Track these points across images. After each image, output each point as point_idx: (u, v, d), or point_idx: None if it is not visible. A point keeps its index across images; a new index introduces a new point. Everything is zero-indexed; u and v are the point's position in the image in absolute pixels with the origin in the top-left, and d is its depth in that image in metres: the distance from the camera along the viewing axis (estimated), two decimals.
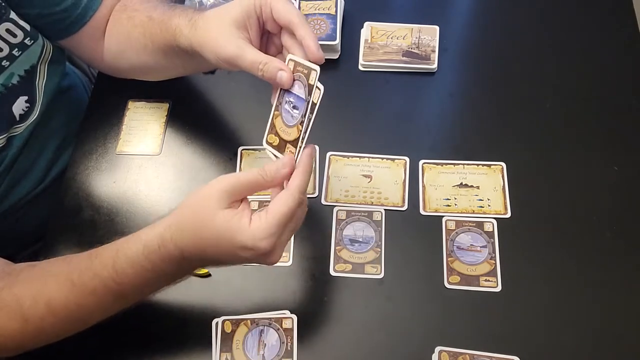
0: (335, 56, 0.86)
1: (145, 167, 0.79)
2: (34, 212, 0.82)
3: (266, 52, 0.59)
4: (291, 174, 0.54)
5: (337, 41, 0.84)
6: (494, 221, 0.71)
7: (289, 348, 0.64)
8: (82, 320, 0.56)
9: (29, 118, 0.75)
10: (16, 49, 0.69)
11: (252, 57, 0.57)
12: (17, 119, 0.74)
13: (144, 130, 0.82)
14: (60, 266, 0.56)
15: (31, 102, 0.75)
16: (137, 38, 0.69)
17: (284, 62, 0.57)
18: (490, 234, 0.70)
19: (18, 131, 0.75)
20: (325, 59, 0.86)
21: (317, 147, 0.55)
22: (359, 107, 0.82)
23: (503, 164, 0.75)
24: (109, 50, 0.74)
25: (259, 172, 0.53)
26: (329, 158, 0.77)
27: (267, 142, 0.59)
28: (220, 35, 0.58)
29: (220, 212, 0.51)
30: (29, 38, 0.70)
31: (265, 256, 0.52)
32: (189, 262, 0.54)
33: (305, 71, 0.54)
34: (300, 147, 0.55)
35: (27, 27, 0.70)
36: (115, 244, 0.55)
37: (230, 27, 0.58)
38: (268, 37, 0.61)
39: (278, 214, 0.51)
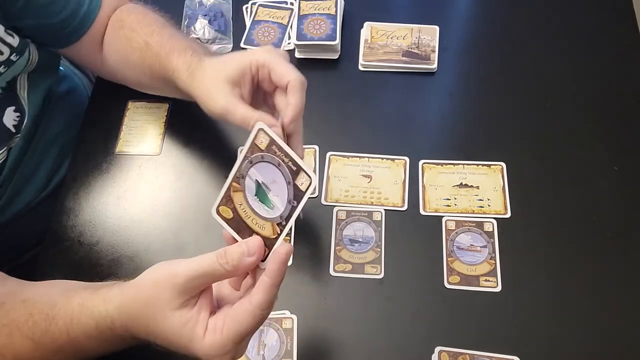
0: (335, 56, 0.86)
1: (145, 168, 0.79)
2: (37, 218, 0.82)
3: (260, 108, 0.59)
4: (257, 262, 0.46)
5: (337, 41, 0.84)
6: (494, 221, 0.71)
7: (288, 348, 0.64)
8: None
9: (21, 129, 0.75)
10: (2, 66, 0.69)
11: (242, 113, 0.57)
12: (13, 130, 0.73)
13: (143, 130, 0.82)
14: (23, 317, 0.52)
15: (20, 111, 0.74)
16: (135, 62, 0.70)
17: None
18: (490, 234, 0.70)
19: (17, 141, 0.74)
20: (325, 59, 0.87)
21: (292, 248, 0.45)
22: (358, 107, 0.82)
23: (503, 164, 0.75)
24: (107, 61, 0.75)
25: (219, 259, 0.45)
26: (329, 158, 0.77)
27: (219, 214, 0.49)
28: (214, 90, 0.59)
29: (173, 314, 0.45)
30: (15, 54, 0.69)
31: None
32: (145, 340, 0.50)
33: (294, 168, 0.43)
34: (274, 248, 0.45)
35: (15, 42, 0.68)
36: (71, 309, 0.50)
37: (224, 83, 0.58)
38: (264, 93, 0.62)
39: (235, 333, 0.45)
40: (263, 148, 0.44)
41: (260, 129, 0.45)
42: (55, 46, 0.74)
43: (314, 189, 0.42)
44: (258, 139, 0.45)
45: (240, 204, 0.47)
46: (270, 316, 0.65)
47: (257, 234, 0.46)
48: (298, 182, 0.43)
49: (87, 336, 0.50)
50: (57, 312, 0.51)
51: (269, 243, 0.45)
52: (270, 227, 0.45)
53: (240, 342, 0.46)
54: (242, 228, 0.47)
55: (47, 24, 0.70)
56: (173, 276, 0.45)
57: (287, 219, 0.44)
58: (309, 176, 0.43)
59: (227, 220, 0.48)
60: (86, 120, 0.84)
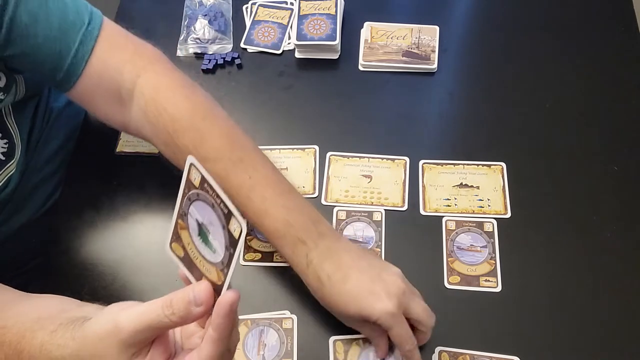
0: (335, 56, 0.86)
1: (146, 167, 0.79)
2: (39, 230, 0.79)
3: None
4: (206, 311, 0.41)
5: (337, 41, 0.84)
6: (494, 221, 0.71)
7: (289, 348, 0.64)
8: None
9: (14, 154, 0.71)
10: None
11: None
12: (3, 158, 0.70)
13: None
14: None
15: (8, 138, 0.70)
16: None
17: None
18: (490, 234, 0.70)
19: (12, 169, 0.71)
20: (325, 59, 0.88)
21: (238, 296, 0.40)
22: (358, 107, 0.82)
23: (503, 164, 0.75)
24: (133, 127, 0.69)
25: (164, 310, 0.40)
26: (329, 158, 0.77)
27: (172, 250, 0.44)
28: None
29: None
30: (2, 93, 0.66)
31: None
32: None
33: (225, 211, 0.38)
34: (222, 293, 0.40)
35: (2, 83, 0.66)
36: (34, 348, 0.48)
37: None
38: None
39: None
40: (197, 185, 0.39)
41: (191, 164, 0.39)
42: (57, 89, 0.69)
43: (245, 235, 0.37)
44: (191, 175, 0.40)
45: (188, 244, 0.42)
46: (270, 316, 0.65)
47: (206, 277, 0.41)
48: (231, 227, 0.38)
49: None
50: (24, 346, 0.49)
51: (216, 288, 0.41)
52: (215, 272, 0.40)
53: None
54: (193, 267, 0.42)
55: (39, 73, 0.66)
56: (118, 331, 0.41)
57: (227, 266, 0.39)
58: (239, 222, 0.37)
59: (180, 258, 0.43)
60: (86, 120, 0.84)
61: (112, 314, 0.43)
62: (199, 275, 0.42)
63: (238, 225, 0.37)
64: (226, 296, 0.39)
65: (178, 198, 0.42)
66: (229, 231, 0.38)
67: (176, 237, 0.43)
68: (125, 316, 0.41)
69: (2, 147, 0.70)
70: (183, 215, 0.42)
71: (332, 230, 0.62)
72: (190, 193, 0.40)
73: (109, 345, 0.42)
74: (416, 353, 0.59)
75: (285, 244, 0.60)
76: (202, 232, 0.41)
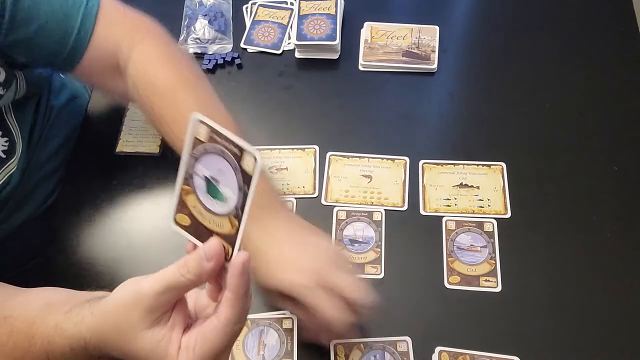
0: (335, 56, 0.86)
1: (145, 167, 0.79)
2: (39, 229, 0.79)
3: None
4: (218, 266, 0.43)
5: (337, 41, 0.84)
6: (494, 221, 0.71)
7: (289, 348, 0.64)
8: None
9: (15, 152, 0.72)
10: None
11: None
12: (3, 156, 0.70)
13: (143, 130, 0.81)
14: (5, 337, 0.50)
15: (8, 136, 0.71)
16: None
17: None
18: (490, 234, 0.70)
19: (13, 167, 0.72)
20: (325, 59, 0.87)
21: (249, 256, 0.41)
22: (358, 107, 0.82)
23: (503, 164, 0.75)
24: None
25: (180, 270, 0.42)
26: (329, 158, 0.77)
27: (177, 223, 0.45)
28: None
29: (144, 335, 0.43)
30: (1, 88, 0.67)
31: None
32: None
33: (237, 151, 0.40)
34: (236, 245, 0.42)
35: (1, 78, 0.66)
36: (47, 330, 0.48)
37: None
38: None
39: (208, 351, 0.43)
40: (204, 140, 0.41)
41: (197, 121, 0.41)
42: (59, 71, 0.71)
43: (262, 167, 0.39)
44: (197, 132, 0.41)
45: (194, 207, 0.44)
46: (270, 316, 0.65)
47: (217, 234, 0.43)
48: (244, 165, 0.39)
49: (65, 358, 0.48)
50: (35, 331, 0.49)
51: (230, 240, 0.42)
52: (227, 222, 0.42)
53: (216, 358, 0.44)
54: (201, 232, 0.44)
55: (39, 57, 0.67)
56: (140, 296, 0.43)
57: (242, 207, 0.40)
58: (253, 155, 0.38)
59: (185, 228, 0.45)
60: (86, 120, 0.84)
61: (132, 284, 0.44)
62: (207, 239, 0.43)
63: (251, 157, 0.39)
64: (238, 257, 0.41)
65: (181, 164, 0.43)
66: (242, 170, 0.39)
67: (181, 207, 0.44)
68: (147, 282, 0.43)
69: (3, 145, 0.71)
70: (189, 178, 0.43)
71: (275, 203, 0.63)
72: (195, 150, 0.42)
73: (131, 312, 0.43)
74: (346, 331, 0.58)
75: None
76: (211, 186, 0.42)
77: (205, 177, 0.42)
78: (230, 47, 0.88)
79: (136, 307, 0.43)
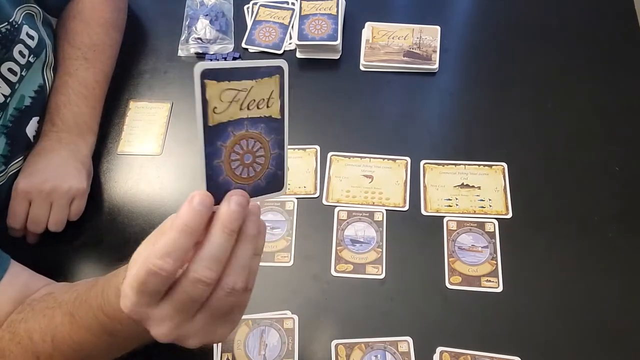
0: (337, 56, 0.87)
1: (147, 167, 0.79)
2: None
3: None
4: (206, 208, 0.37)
5: (338, 41, 0.84)
6: (495, 221, 0.71)
7: (290, 348, 0.64)
8: (88, 358, 0.52)
9: (20, 151, 0.74)
10: (24, 70, 0.70)
11: None
12: (32, 140, 0.73)
13: (145, 130, 0.82)
14: (67, 294, 0.52)
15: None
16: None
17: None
18: (491, 235, 0.70)
19: (17, 166, 0.73)
20: (326, 59, 0.88)
21: (206, 194, 0.37)
22: (360, 108, 0.82)
23: (504, 164, 0.75)
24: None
25: (170, 218, 0.38)
26: (330, 158, 0.77)
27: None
28: None
29: None
30: (32, 55, 0.71)
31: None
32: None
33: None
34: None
35: (33, 43, 0.70)
36: (94, 295, 0.48)
37: None
38: None
39: (132, 278, 0.38)
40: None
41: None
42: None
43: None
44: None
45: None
46: (271, 316, 0.65)
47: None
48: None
49: (117, 292, 0.46)
50: (96, 281, 0.49)
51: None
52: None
53: (149, 294, 0.38)
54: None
55: None
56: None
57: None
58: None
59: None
60: None
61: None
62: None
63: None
64: (235, 193, 0.38)
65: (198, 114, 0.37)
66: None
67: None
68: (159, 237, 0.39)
69: (35, 131, 0.74)
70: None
71: (76, 140, 0.73)
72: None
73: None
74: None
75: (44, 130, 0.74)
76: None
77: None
78: (231, 47, 0.88)
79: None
